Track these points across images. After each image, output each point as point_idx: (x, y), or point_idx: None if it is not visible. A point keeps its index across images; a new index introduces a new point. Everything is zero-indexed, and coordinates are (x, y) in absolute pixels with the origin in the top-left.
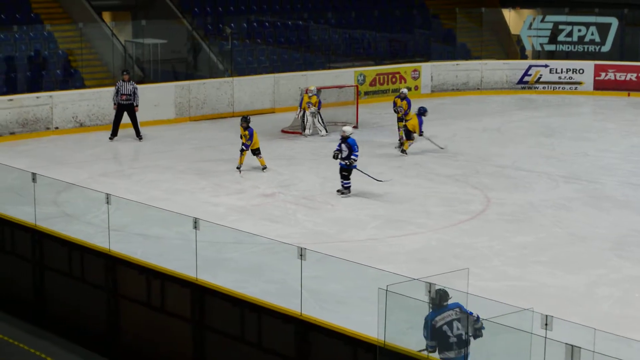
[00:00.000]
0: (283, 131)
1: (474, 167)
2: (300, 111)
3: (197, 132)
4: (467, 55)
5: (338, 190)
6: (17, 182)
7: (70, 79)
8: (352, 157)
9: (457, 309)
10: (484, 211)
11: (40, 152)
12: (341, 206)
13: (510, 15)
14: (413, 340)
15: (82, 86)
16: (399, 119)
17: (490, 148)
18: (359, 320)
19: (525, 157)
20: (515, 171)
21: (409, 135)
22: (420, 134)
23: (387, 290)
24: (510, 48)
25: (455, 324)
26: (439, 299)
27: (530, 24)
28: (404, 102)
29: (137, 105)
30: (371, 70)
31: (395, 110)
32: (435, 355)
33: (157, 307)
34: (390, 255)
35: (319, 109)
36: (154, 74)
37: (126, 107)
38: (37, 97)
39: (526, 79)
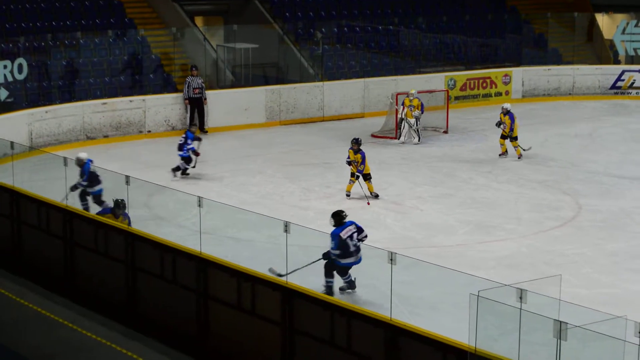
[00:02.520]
0: (373, 135)
1: (565, 173)
2: (401, 112)
3: (287, 136)
4: (558, 60)
5: None
6: (111, 184)
7: (162, 83)
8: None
9: (354, 225)
10: (575, 218)
11: (133, 155)
12: (430, 211)
13: (603, 20)
14: (504, 346)
15: (175, 90)
16: (502, 136)
17: (581, 154)
18: (449, 326)
19: (618, 163)
20: (607, 177)
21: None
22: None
23: (478, 295)
24: (603, 53)
25: (354, 236)
26: (339, 219)
27: (624, 29)
28: (507, 117)
29: (205, 99)
30: (461, 75)
31: (497, 125)
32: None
33: (247, 310)
34: (479, 261)
35: (422, 112)
36: (245, 78)
37: (197, 100)
38: (130, 101)
39: (619, 84)
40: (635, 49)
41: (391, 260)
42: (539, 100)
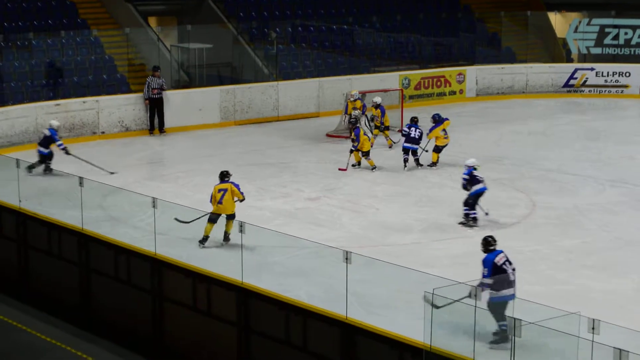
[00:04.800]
0: (328, 135)
1: (519, 171)
2: (344, 117)
3: (242, 136)
4: (512, 59)
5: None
6: (65, 186)
7: (116, 84)
8: None
9: (504, 254)
10: (530, 215)
11: (87, 156)
12: (386, 210)
13: (556, 19)
14: (459, 343)
15: (128, 91)
16: (376, 127)
17: (535, 152)
18: (405, 323)
19: (571, 160)
20: (561, 175)
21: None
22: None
23: (433, 293)
24: (556, 51)
25: (507, 264)
26: (487, 245)
27: (576, 27)
28: (378, 110)
29: (166, 98)
30: (416, 74)
31: (371, 119)
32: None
33: (202, 310)
34: (434, 259)
35: (363, 112)
36: (199, 78)
37: (157, 100)
38: (84, 102)
39: (572, 82)
40: (587, 47)
41: (346, 259)
42: (493, 99)
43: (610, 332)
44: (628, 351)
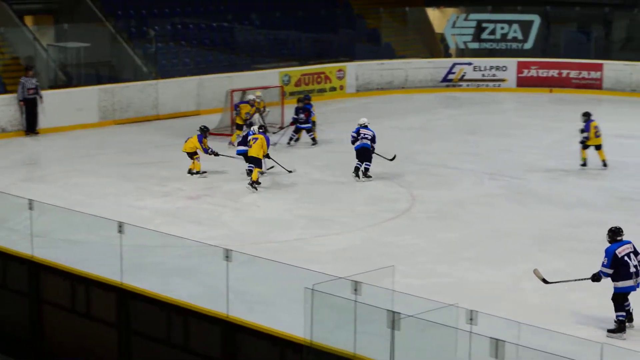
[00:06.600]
0: (209, 133)
1: (399, 165)
2: (255, 118)
3: (121, 135)
4: (391, 55)
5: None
6: None
7: None
8: None
9: (631, 244)
10: (410, 209)
11: None
12: (267, 206)
13: (434, 14)
14: (340, 338)
15: (4, 91)
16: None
17: (415, 146)
18: (286, 320)
19: (450, 154)
20: (440, 169)
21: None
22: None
23: (312, 289)
24: (434, 47)
25: (632, 256)
26: (614, 235)
27: (454, 23)
28: (253, 109)
29: (41, 97)
30: (296, 71)
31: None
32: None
33: (81, 312)
34: (316, 255)
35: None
36: (77, 77)
37: (32, 101)
38: None
39: (450, 77)
40: (465, 42)
41: (227, 257)
42: (373, 94)
43: (487, 322)
44: (505, 341)
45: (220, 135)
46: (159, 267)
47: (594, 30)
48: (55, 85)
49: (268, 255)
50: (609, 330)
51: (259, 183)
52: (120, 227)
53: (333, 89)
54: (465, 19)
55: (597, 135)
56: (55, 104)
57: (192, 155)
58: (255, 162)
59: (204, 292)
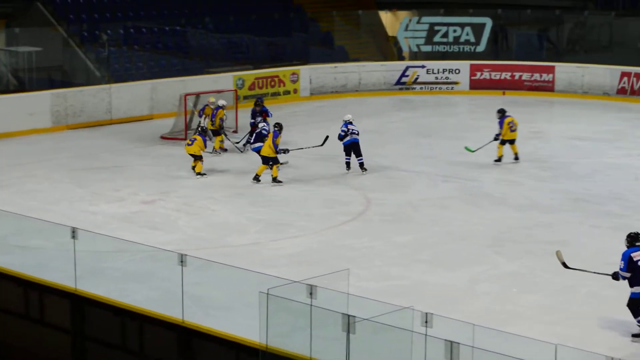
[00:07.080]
0: (162, 137)
1: (353, 168)
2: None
3: (74, 140)
4: (345, 58)
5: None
6: None
7: None
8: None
9: None
10: (365, 212)
11: None
12: (222, 211)
13: (386, 18)
14: (296, 342)
15: None
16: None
17: (369, 149)
18: (243, 324)
19: (404, 157)
20: (395, 171)
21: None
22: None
23: (267, 294)
24: (388, 50)
25: None
26: (632, 240)
27: (407, 26)
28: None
29: None
30: (250, 75)
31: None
32: None
33: (35, 319)
34: (272, 259)
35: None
36: (29, 82)
37: None
38: None
39: (403, 80)
40: (418, 45)
41: (182, 262)
42: (327, 98)
43: (443, 325)
44: (459, 343)
45: (174, 139)
46: (114, 272)
47: (545, 33)
48: (7, 90)
49: (224, 259)
50: (634, 335)
51: (280, 182)
52: (74, 232)
53: (287, 92)
54: (418, 22)
55: (512, 130)
56: (7, 108)
57: (197, 157)
58: (270, 160)
59: (159, 297)
